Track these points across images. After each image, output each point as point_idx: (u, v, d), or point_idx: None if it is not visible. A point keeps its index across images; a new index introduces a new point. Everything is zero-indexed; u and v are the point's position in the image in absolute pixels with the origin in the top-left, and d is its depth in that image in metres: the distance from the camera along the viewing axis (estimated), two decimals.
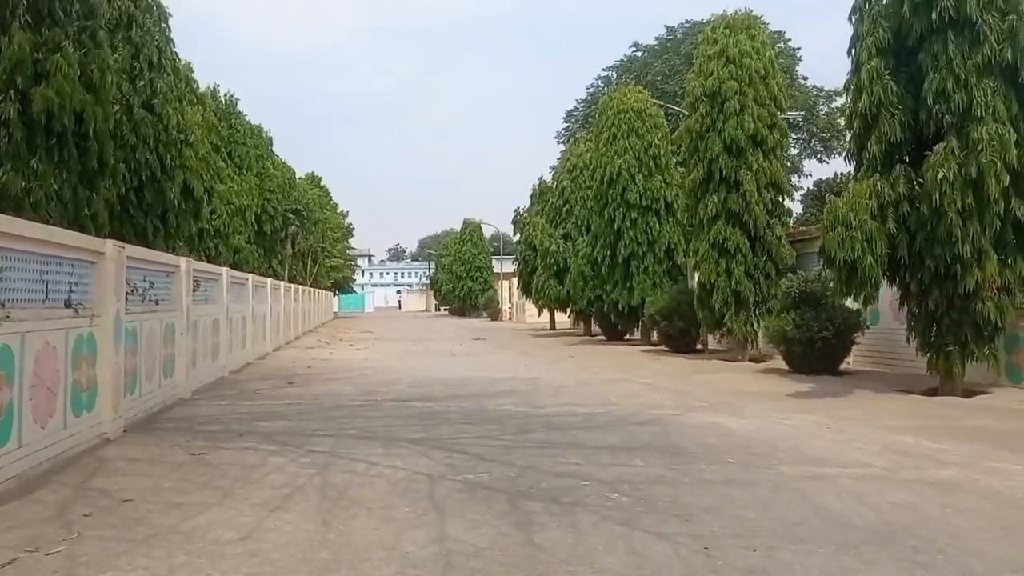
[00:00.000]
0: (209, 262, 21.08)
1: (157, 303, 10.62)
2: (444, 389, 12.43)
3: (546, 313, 36.39)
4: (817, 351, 13.61)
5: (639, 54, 35.94)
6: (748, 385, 12.70)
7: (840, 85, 37.02)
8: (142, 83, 15.30)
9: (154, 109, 15.35)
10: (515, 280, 51.59)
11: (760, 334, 16.90)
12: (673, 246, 22.36)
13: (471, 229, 67.04)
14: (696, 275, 17.86)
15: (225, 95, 28.11)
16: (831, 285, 11.25)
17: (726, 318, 16.47)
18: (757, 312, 16.57)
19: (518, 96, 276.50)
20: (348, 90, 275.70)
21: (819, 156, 37.51)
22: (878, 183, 10.59)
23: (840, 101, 38.93)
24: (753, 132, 16.45)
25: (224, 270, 14.90)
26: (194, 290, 12.81)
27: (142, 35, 15.47)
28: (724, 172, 16.36)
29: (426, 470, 6.56)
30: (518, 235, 37.22)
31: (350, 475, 6.42)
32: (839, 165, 58.55)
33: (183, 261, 11.60)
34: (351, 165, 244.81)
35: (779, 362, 16.13)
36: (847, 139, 11.69)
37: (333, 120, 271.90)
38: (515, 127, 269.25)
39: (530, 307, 43.97)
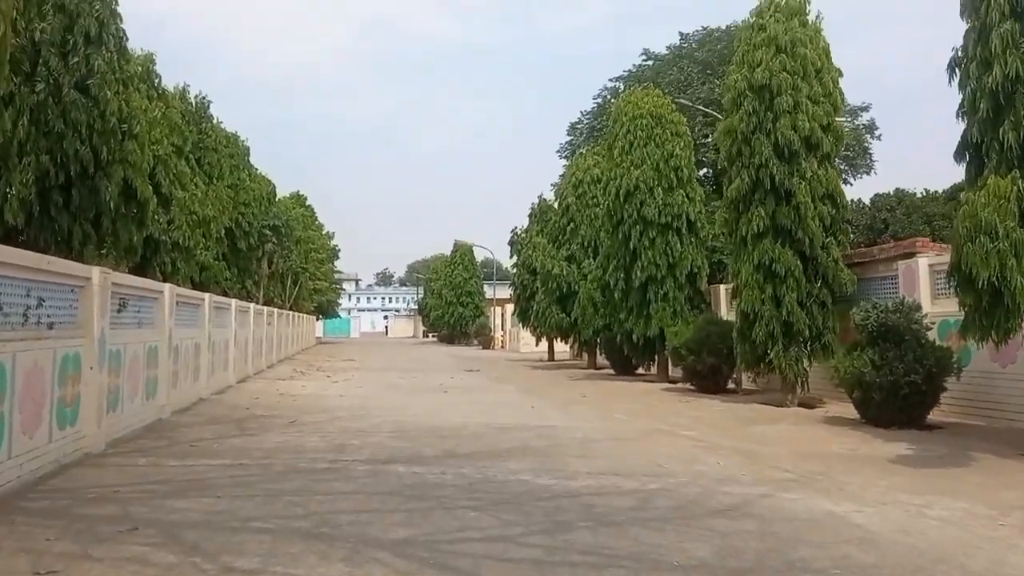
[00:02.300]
0: (165, 279, 18.26)
1: (50, 327, 7.83)
2: (436, 443, 9.64)
3: (543, 342, 33.59)
4: (901, 399, 10.91)
5: (650, 63, 33.48)
6: (826, 443, 9.96)
7: (856, 104, 34.70)
8: (76, 59, 12.61)
9: (89, 91, 12.64)
10: (509, 306, 48.81)
11: (809, 374, 14.19)
12: (696, 270, 19.70)
13: (462, 252, 64.23)
14: (734, 303, 15.19)
15: (196, 97, 25.40)
16: (961, 317, 8.43)
17: (772, 354, 13.75)
18: (810, 348, 13.87)
19: (510, 125, 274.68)
20: (334, 115, 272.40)
21: (843, 176, 35.08)
22: (1020, 182, 7.96)
23: (866, 117, 36.71)
24: (808, 134, 13.86)
25: (166, 287, 12.11)
26: (118, 310, 10.03)
27: (78, 2, 12.81)
28: (775, 180, 13.73)
29: None
30: (515, 257, 34.45)
31: None
32: (864, 188, 56.01)
33: (95, 272, 8.81)
34: (339, 190, 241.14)
35: (839, 408, 13.45)
36: (962, 127, 9.07)
37: (320, 144, 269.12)
38: (507, 155, 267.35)
39: (524, 335, 41.19)
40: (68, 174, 12.25)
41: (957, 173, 13.27)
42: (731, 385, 17.23)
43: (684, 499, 6.64)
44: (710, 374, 16.66)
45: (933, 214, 41.06)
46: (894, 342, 11.15)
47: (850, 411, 12.63)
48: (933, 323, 11.83)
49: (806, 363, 13.93)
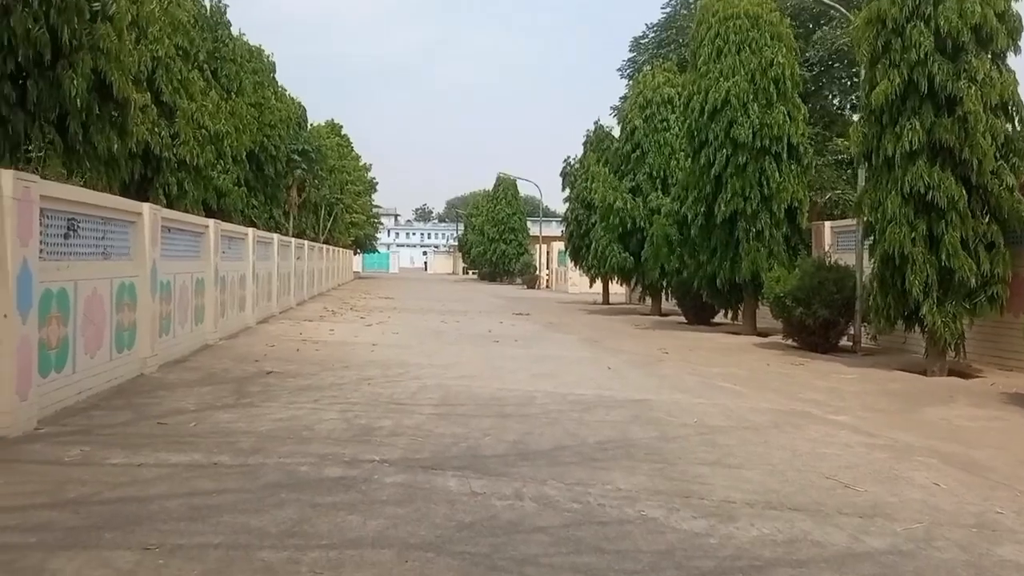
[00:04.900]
0: (170, 203, 15.62)
1: None
2: (498, 429, 6.87)
3: (596, 283, 30.55)
4: None
5: None
6: None
7: None
8: None
9: None
10: (556, 244, 45.75)
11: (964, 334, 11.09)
12: (796, 204, 16.48)
13: (505, 187, 60.97)
14: (866, 242, 12.10)
15: (211, 1, 22.32)
16: None
17: (924, 309, 10.68)
18: (972, 302, 10.75)
19: (548, 65, 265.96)
20: (366, 52, 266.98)
21: None
22: None
23: None
24: (979, 21, 10.53)
25: (146, 207, 9.34)
26: (65, 235, 7.34)
27: None
28: (935, 82, 10.45)
29: None
30: (567, 190, 31.27)
31: None
32: None
33: (6, 178, 6.02)
34: (378, 127, 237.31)
35: (1006, 379, 10.44)
36: None
37: (357, 81, 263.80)
38: (554, 91, 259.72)
39: (574, 275, 38.25)
40: (18, 61, 9.45)
41: None
42: (849, 342, 14.15)
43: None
44: (820, 329, 13.62)
45: None
46: None
47: None
48: None
49: (966, 320, 10.85)
